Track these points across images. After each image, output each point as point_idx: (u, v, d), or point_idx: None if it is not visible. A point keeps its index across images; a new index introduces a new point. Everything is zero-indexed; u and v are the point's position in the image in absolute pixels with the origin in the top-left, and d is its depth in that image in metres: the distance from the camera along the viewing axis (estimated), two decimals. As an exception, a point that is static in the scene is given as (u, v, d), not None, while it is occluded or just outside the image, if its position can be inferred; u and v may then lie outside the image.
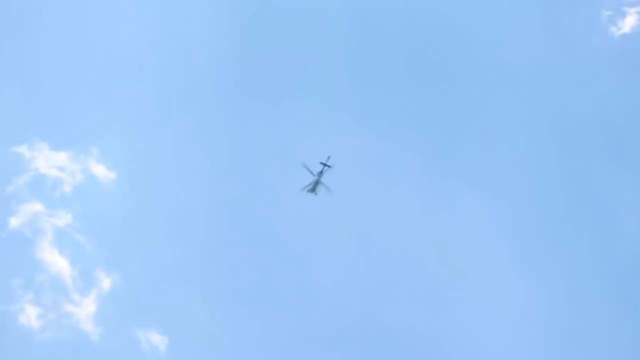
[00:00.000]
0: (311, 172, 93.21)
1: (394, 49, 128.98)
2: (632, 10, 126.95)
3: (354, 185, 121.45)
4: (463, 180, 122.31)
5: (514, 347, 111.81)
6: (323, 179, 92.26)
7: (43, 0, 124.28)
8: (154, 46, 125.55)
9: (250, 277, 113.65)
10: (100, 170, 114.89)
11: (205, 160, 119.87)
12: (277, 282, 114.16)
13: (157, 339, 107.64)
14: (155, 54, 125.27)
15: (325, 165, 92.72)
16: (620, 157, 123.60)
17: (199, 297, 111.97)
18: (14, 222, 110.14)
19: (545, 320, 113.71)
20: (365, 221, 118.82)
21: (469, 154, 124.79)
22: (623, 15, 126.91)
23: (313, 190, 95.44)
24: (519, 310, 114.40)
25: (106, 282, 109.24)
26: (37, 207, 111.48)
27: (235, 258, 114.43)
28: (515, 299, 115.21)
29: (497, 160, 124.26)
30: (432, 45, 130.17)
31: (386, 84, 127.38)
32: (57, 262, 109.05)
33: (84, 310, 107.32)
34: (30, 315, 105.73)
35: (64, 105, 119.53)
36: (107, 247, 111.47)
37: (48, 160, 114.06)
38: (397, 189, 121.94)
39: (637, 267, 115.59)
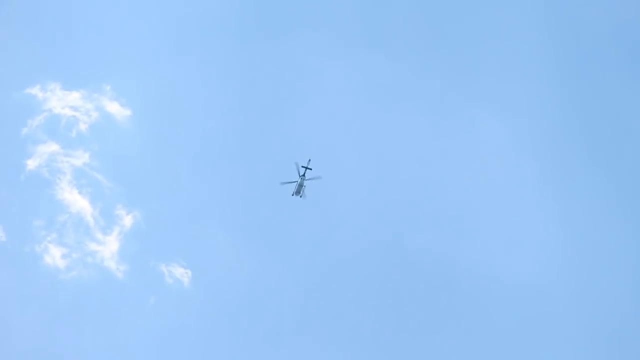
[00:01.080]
0: (296, 178, 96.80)
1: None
2: None
3: (369, 110, 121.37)
4: (477, 100, 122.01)
5: (532, 266, 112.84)
6: (306, 181, 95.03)
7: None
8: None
9: (270, 207, 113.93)
10: (114, 108, 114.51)
11: (219, 92, 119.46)
12: (298, 210, 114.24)
13: (181, 273, 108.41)
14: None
15: (306, 168, 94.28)
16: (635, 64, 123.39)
17: (220, 229, 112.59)
18: (31, 163, 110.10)
19: (563, 238, 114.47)
20: (383, 146, 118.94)
21: (480, 72, 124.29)
22: None
23: (298, 192, 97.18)
24: (537, 228, 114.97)
25: (127, 220, 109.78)
26: (53, 147, 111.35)
27: (254, 189, 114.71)
28: (534, 217, 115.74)
29: (510, 76, 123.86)
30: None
31: (395, 6, 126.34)
32: (77, 201, 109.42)
33: (108, 249, 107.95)
34: (55, 256, 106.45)
35: (74, 45, 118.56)
36: (127, 185, 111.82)
37: (61, 101, 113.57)
38: (410, 111, 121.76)
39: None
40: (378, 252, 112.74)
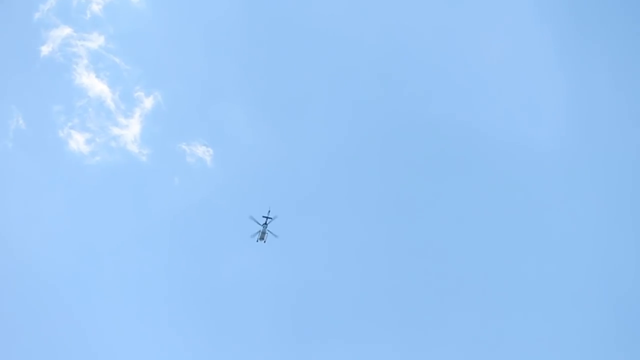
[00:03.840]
0: (258, 222, 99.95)
1: None
2: None
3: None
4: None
5: (550, 131, 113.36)
6: (268, 228, 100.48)
7: None
8: None
9: (289, 84, 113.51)
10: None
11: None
12: (317, 87, 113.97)
13: (203, 151, 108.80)
14: None
15: (268, 217, 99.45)
16: None
17: (239, 107, 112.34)
18: (45, 49, 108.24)
19: (580, 102, 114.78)
20: (399, 16, 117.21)
21: None
22: None
23: (262, 238, 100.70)
24: (556, 95, 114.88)
25: (148, 102, 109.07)
26: (66, 31, 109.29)
27: (273, 66, 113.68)
28: (552, 83, 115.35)
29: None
30: None
31: None
32: (95, 85, 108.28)
33: (130, 132, 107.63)
34: (79, 141, 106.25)
35: None
36: (145, 66, 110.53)
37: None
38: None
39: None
40: (402, 120, 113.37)
